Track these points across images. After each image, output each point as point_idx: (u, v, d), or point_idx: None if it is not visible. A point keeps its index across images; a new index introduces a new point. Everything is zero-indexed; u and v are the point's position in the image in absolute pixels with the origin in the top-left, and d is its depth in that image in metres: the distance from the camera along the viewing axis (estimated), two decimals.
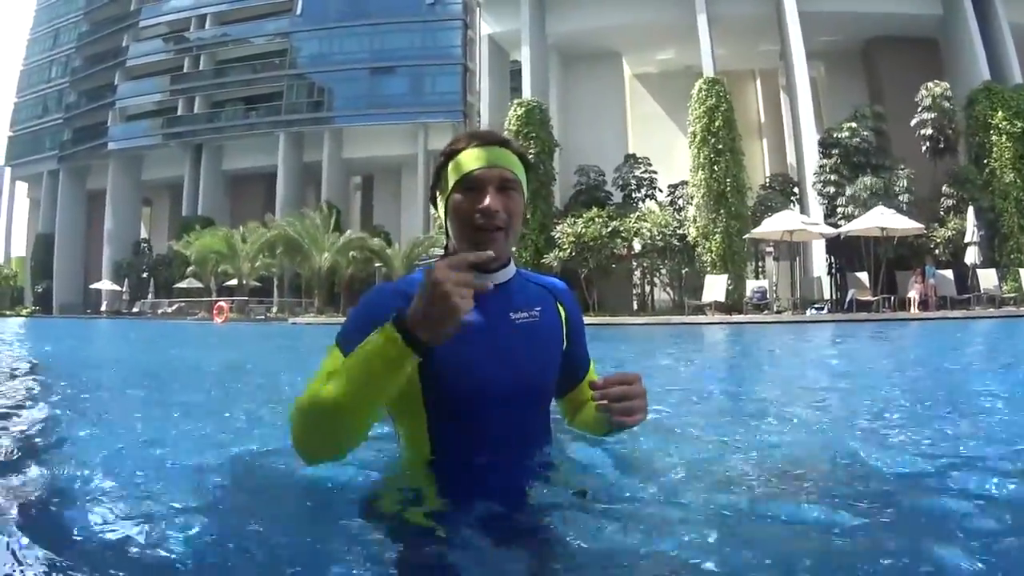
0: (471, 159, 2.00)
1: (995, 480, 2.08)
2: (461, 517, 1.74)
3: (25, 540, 1.61)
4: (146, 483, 2.17)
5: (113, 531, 1.71)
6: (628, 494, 1.92)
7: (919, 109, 31.08)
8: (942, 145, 30.94)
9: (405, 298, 1.75)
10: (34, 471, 2.37)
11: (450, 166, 2.03)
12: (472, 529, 1.68)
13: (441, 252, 2.14)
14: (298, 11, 56.23)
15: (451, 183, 2.01)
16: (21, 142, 67.77)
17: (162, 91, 60.05)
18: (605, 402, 1.96)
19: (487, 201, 1.95)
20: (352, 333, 1.85)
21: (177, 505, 1.87)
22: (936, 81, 31.43)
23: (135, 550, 1.59)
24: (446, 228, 2.07)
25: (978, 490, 2.02)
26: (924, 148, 31.08)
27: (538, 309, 2.12)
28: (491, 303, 1.96)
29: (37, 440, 3.14)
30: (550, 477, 2.05)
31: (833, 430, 3.31)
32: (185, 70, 59.42)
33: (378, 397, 1.73)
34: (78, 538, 1.68)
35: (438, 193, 2.10)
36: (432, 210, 2.12)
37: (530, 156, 33.17)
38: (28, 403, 4.49)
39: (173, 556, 1.56)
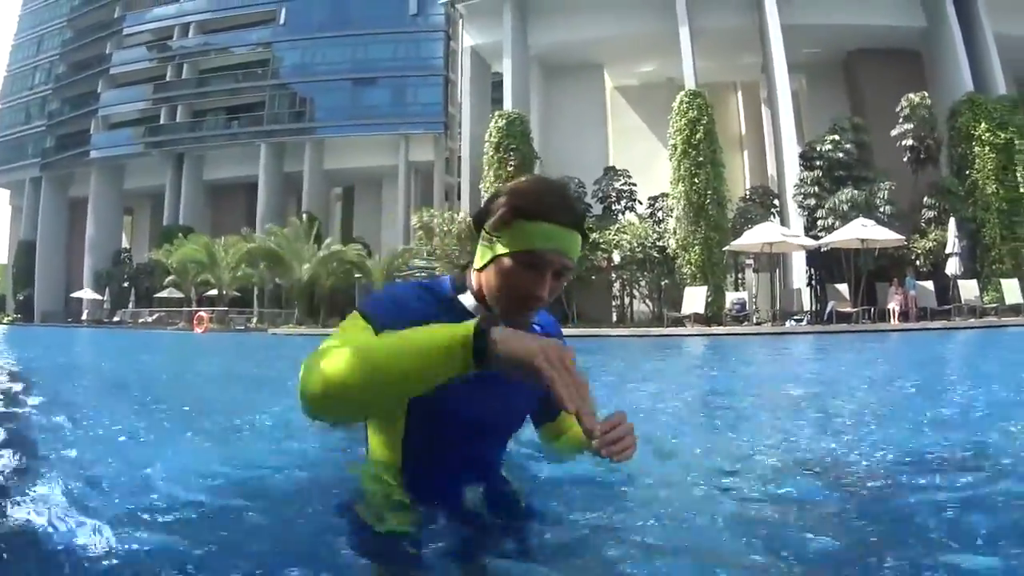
0: (543, 235, 1.86)
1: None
2: (431, 529, 1.84)
3: None
4: (118, 493, 2.17)
5: (83, 541, 1.69)
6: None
7: (899, 120, 31.08)
8: (923, 156, 30.93)
9: (423, 297, 1.98)
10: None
11: (517, 223, 1.87)
12: (441, 541, 1.78)
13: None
14: (281, 21, 56.16)
15: (510, 242, 1.88)
16: (3, 149, 67.40)
17: (145, 99, 59.81)
18: (604, 450, 1.82)
19: (542, 291, 1.87)
20: (386, 304, 1.90)
21: (149, 515, 1.89)
22: (916, 93, 31.48)
23: (104, 560, 1.58)
24: (479, 266, 1.97)
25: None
26: (905, 159, 31.07)
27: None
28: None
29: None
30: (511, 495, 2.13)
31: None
32: (168, 79, 59.18)
33: (412, 383, 1.58)
34: (48, 549, 1.67)
35: (488, 229, 1.94)
36: (472, 229, 1.90)
37: (510, 168, 33.75)
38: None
39: (147, 564, 1.57)
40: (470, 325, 1.54)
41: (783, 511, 2.04)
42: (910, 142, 30.79)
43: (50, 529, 1.77)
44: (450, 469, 2.05)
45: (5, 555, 1.59)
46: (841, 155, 31.24)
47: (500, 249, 1.88)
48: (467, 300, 2.00)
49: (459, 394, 1.81)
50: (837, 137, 31.62)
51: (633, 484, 2.26)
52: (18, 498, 2.11)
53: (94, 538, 1.69)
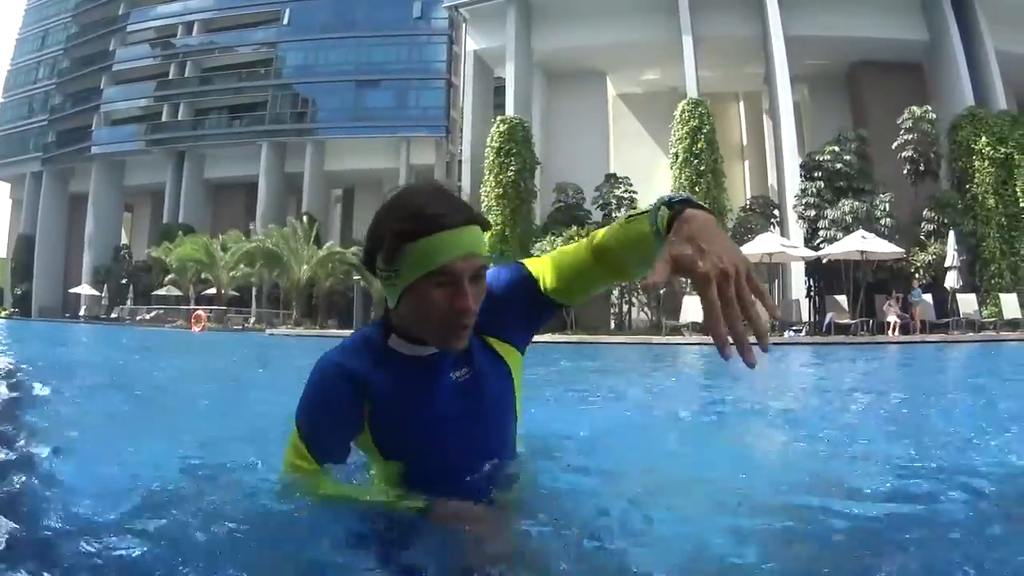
0: (444, 246, 1.71)
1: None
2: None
3: None
4: (116, 491, 2.07)
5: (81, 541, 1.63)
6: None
7: (901, 132, 31.11)
8: (922, 168, 30.95)
9: (352, 381, 1.84)
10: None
11: (408, 247, 1.72)
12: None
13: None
14: (285, 21, 56.12)
15: (411, 270, 1.73)
16: (5, 142, 67.31)
17: (147, 97, 59.81)
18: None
19: (466, 302, 1.73)
20: (319, 429, 1.88)
21: (149, 514, 1.84)
22: (920, 107, 31.52)
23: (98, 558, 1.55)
24: (393, 306, 1.86)
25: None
26: (906, 171, 31.10)
27: (478, 360, 1.95)
28: (430, 378, 1.91)
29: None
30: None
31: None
32: (171, 76, 59.16)
33: None
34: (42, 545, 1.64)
35: (381, 267, 1.80)
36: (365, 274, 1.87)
37: (510, 173, 33.77)
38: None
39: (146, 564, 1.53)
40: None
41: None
42: (911, 154, 30.83)
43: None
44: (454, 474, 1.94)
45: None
46: (840, 166, 31.28)
47: (405, 280, 1.75)
48: (399, 344, 1.90)
49: (419, 442, 1.89)
50: (836, 148, 31.69)
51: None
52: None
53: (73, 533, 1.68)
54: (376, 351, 1.90)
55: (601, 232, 1.91)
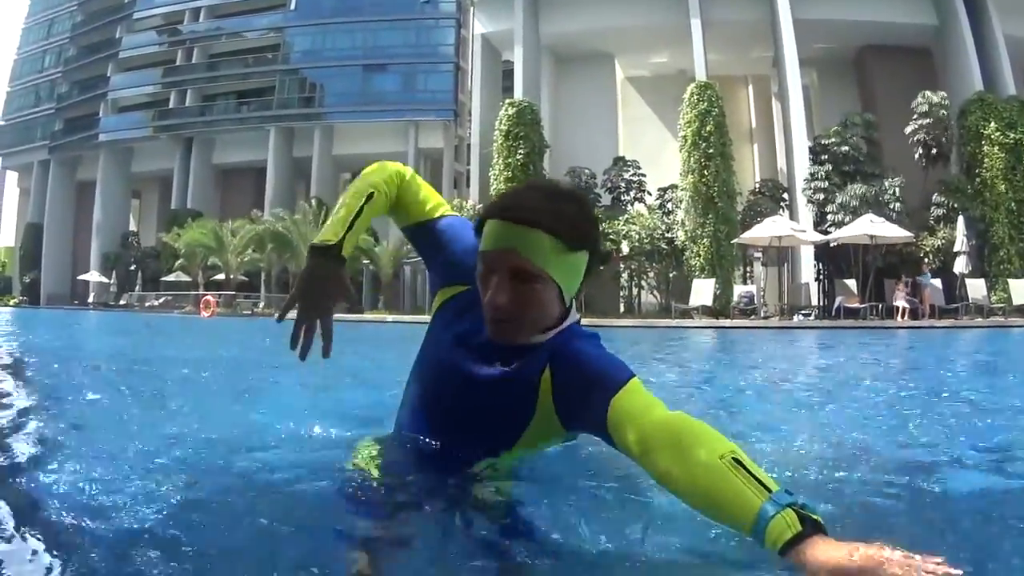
0: (491, 234, 1.79)
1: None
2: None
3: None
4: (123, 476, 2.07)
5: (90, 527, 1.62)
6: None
7: (915, 116, 31.03)
8: (935, 151, 30.89)
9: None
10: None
11: (484, 227, 1.83)
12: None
13: None
14: (292, 6, 55.84)
15: (479, 246, 1.84)
16: (12, 131, 67.36)
17: (154, 83, 59.64)
18: None
19: (497, 297, 1.76)
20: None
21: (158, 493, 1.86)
22: (936, 92, 31.43)
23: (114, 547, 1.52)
24: None
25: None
26: (917, 155, 31.06)
27: (514, 365, 1.88)
28: (468, 355, 1.94)
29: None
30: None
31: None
32: (178, 63, 58.97)
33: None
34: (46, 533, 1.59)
35: (475, 234, 1.90)
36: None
37: (519, 157, 33.73)
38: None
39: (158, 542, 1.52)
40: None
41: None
42: (923, 137, 30.77)
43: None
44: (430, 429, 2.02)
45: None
46: (847, 148, 31.25)
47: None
48: None
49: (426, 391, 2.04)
50: (845, 131, 31.68)
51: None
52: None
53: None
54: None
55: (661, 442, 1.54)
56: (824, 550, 1.22)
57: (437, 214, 2.15)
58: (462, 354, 1.93)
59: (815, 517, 1.28)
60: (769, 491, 1.33)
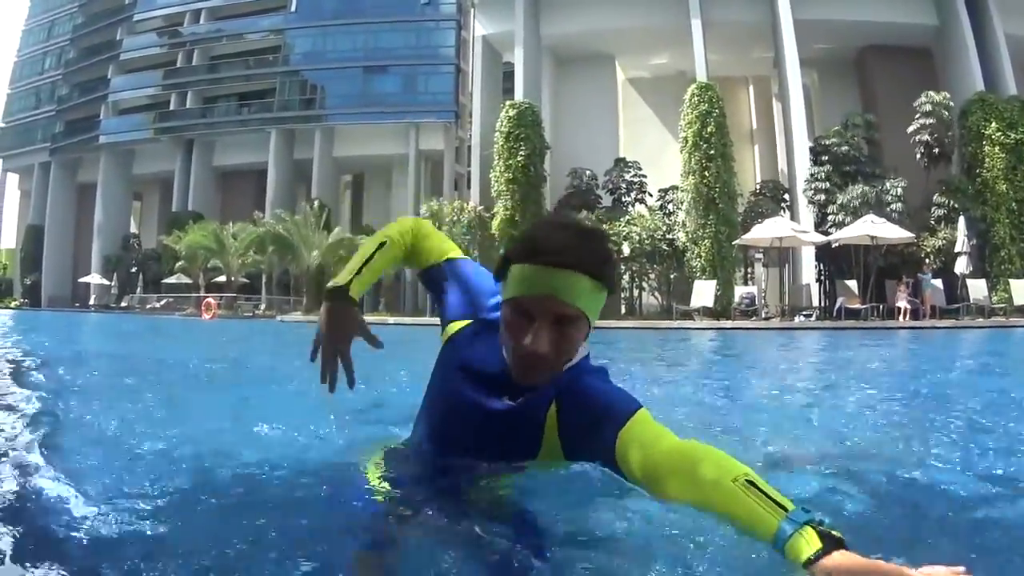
0: (528, 279, 1.75)
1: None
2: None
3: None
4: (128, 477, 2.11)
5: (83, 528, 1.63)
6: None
7: (918, 115, 31.04)
8: (936, 151, 30.90)
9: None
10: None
11: (511, 270, 1.79)
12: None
13: None
14: (292, 8, 55.82)
15: (505, 290, 1.82)
16: (13, 133, 67.45)
17: (155, 85, 59.63)
18: None
19: (535, 344, 1.73)
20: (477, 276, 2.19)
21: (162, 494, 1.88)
22: (938, 92, 31.44)
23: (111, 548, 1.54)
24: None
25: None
26: (919, 155, 31.06)
27: (520, 401, 1.87)
28: (476, 390, 1.94)
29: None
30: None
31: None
32: (178, 65, 58.99)
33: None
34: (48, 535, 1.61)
35: (496, 276, 1.88)
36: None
37: (520, 158, 33.74)
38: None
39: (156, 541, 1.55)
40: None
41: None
42: (926, 138, 30.77)
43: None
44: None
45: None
46: (847, 149, 31.27)
47: (503, 297, 1.84)
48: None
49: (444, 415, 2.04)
50: (846, 132, 31.70)
51: None
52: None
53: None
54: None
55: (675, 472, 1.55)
56: (845, 565, 1.22)
57: (446, 257, 2.25)
58: (470, 388, 1.95)
59: (835, 533, 1.28)
60: (785, 510, 1.34)
